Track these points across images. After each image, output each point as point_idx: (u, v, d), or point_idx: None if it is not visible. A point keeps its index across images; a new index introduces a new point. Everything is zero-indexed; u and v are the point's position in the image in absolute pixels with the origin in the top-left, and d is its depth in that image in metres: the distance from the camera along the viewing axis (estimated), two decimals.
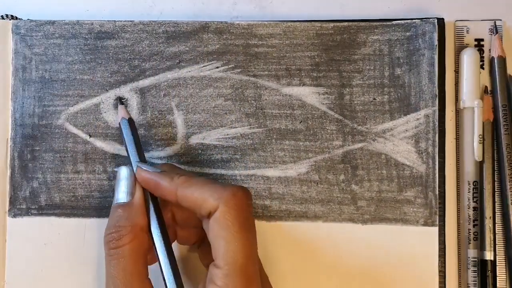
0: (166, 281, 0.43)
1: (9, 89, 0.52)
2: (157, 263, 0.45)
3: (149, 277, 0.44)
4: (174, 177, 0.44)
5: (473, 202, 0.51)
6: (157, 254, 0.44)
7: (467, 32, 0.52)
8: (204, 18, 0.54)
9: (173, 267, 0.43)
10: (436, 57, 0.50)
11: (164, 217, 0.46)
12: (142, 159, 0.47)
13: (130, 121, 0.49)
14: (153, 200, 0.46)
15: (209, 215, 0.42)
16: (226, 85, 0.52)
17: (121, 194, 0.46)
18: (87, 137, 0.52)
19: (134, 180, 0.46)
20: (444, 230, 0.50)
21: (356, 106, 0.51)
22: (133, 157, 0.47)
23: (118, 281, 0.43)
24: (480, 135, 0.50)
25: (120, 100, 0.51)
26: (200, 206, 0.42)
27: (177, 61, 0.52)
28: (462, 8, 0.53)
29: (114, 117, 0.52)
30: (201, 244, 0.48)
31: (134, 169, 0.46)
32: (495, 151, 0.51)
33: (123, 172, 0.47)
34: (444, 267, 0.50)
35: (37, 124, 0.52)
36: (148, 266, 0.45)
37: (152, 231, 0.45)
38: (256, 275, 0.42)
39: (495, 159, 0.51)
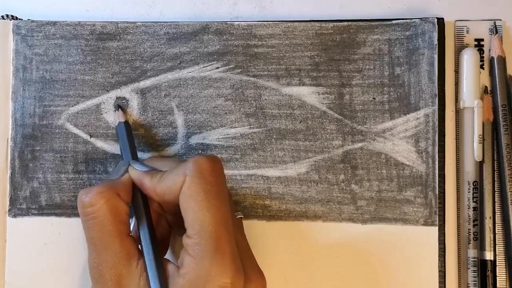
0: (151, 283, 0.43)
1: (10, 89, 0.52)
2: None
3: (131, 234, 0.45)
4: (153, 175, 0.45)
5: (473, 202, 0.51)
6: (144, 255, 0.44)
7: (467, 32, 0.52)
8: (204, 18, 0.54)
9: (158, 268, 0.43)
10: (435, 56, 0.50)
11: (151, 206, 0.47)
12: (135, 158, 0.48)
13: (126, 124, 0.50)
14: (144, 202, 0.46)
15: None
16: (226, 86, 0.52)
17: (114, 176, 0.46)
18: (88, 137, 0.52)
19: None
20: (444, 230, 0.50)
21: (355, 105, 0.51)
22: (127, 156, 0.48)
23: (96, 242, 0.43)
24: (480, 135, 0.50)
25: (118, 106, 0.52)
26: (174, 191, 0.42)
27: (178, 62, 0.52)
28: (462, 8, 0.53)
29: (114, 118, 0.52)
30: None
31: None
32: (495, 151, 0.51)
33: (126, 163, 0.47)
34: (444, 267, 0.50)
35: (38, 124, 0.52)
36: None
37: (140, 233, 0.45)
38: (229, 241, 0.41)
39: (495, 159, 0.51)
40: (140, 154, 0.50)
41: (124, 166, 0.47)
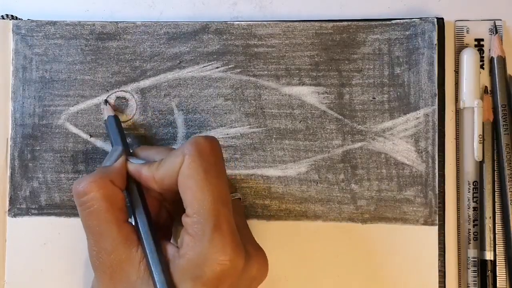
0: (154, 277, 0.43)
1: (10, 89, 0.52)
2: None
3: (129, 220, 0.45)
4: (150, 165, 0.45)
5: (473, 202, 0.51)
6: (143, 245, 0.44)
7: (467, 32, 0.52)
8: (204, 18, 0.54)
9: (158, 252, 0.43)
10: (435, 56, 0.50)
11: (150, 193, 0.47)
12: (127, 151, 0.48)
13: (116, 118, 0.50)
14: (138, 189, 0.46)
15: None
16: (226, 85, 0.52)
17: (107, 163, 0.46)
18: (88, 137, 0.52)
19: (123, 159, 0.46)
20: (444, 230, 0.50)
21: (355, 105, 0.51)
22: (117, 143, 0.48)
23: (94, 230, 0.43)
24: (480, 135, 0.50)
25: (106, 101, 0.52)
26: (173, 173, 0.42)
27: (178, 61, 0.52)
28: (462, 8, 0.53)
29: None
30: None
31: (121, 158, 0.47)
32: (495, 151, 0.51)
33: (118, 149, 0.47)
34: (444, 267, 0.50)
35: (38, 124, 0.52)
36: None
37: (136, 218, 0.45)
38: (228, 220, 0.41)
39: (495, 159, 0.51)
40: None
41: (116, 151, 0.47)
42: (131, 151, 0.49)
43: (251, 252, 0.43)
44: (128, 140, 0.52)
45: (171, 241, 0.49)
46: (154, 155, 0.47)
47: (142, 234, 0.44)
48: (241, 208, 0.49)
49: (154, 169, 0.44)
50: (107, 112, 0.51)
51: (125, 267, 0.43)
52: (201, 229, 0.41)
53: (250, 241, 0.45)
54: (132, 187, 0.46)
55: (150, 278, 0.42)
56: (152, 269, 0.42)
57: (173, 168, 0.42)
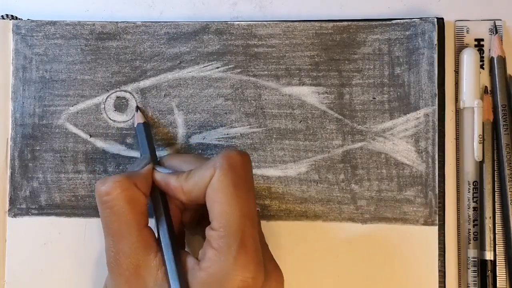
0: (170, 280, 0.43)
1: (10, 89, 0.52)
2: None
3: (149, 225, 0.44)
4: (179, 175, 0.44)
5: (473, 202, 0.51)
6: (162, 253, 0.44)
7: (467, 32, 0.52)
8: (204, 18, 0.54)
9: (177, 262, 0.43)
10: (435, 56, 0.50)
11: (173, 201, 0.47)
12: (154, 159, 0.48)
13: (146, 125, 0.50)
14: (162, 197, 0.46)
15: None
16: (226, 85, 0.52)
17: (134, 168, 0.46)
18: (88, 137, 0.52)
19: (150, 166, 0.46)
20: (444, 230, 0.50)
21: (355, 105, 0.51)
22: (146, 151, 0.48)
23: (114, 232, 0.43)
24: (480, 135, 0.50)
25: (137, 107, 0.52)
26: (202, 186, 0.42)
27: (178, 61, 0.52)
28: (462, 8, 0.53)
29: (114, 117, 0.52)
30: (203, 220, 0.48)
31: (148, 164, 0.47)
32: (495, 151, 0.51)
33: (146, 157, 0.47)
34: (444, 267, 0.50)
35: (38, 124, 0.52)
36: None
37: (158, 227, 0.45)
38: (254, 236, 0.41)
39: (495, 159, 0.51)
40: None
41: (144, 160, 0.47)
42: (158, 159, 0.49)
43: (270, 269, 0.43)
44: (129, 140, 0.52)
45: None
46: (181, 164, 0.46)
47: (163, 245, 0.44)
48: (259, 222, 0.49)
49: (183, 180, 0.44)
50: (137, 119, 0.51)
51: (142, 272, 0.43)
52: (226, 244, 0.40)
53: (268, 257, 0.45)
54: (157, 196, 0.46)
55: (168, 287, 0.42)
56: (170, 279, 0.42)
57: (202, 180, 0.42)
